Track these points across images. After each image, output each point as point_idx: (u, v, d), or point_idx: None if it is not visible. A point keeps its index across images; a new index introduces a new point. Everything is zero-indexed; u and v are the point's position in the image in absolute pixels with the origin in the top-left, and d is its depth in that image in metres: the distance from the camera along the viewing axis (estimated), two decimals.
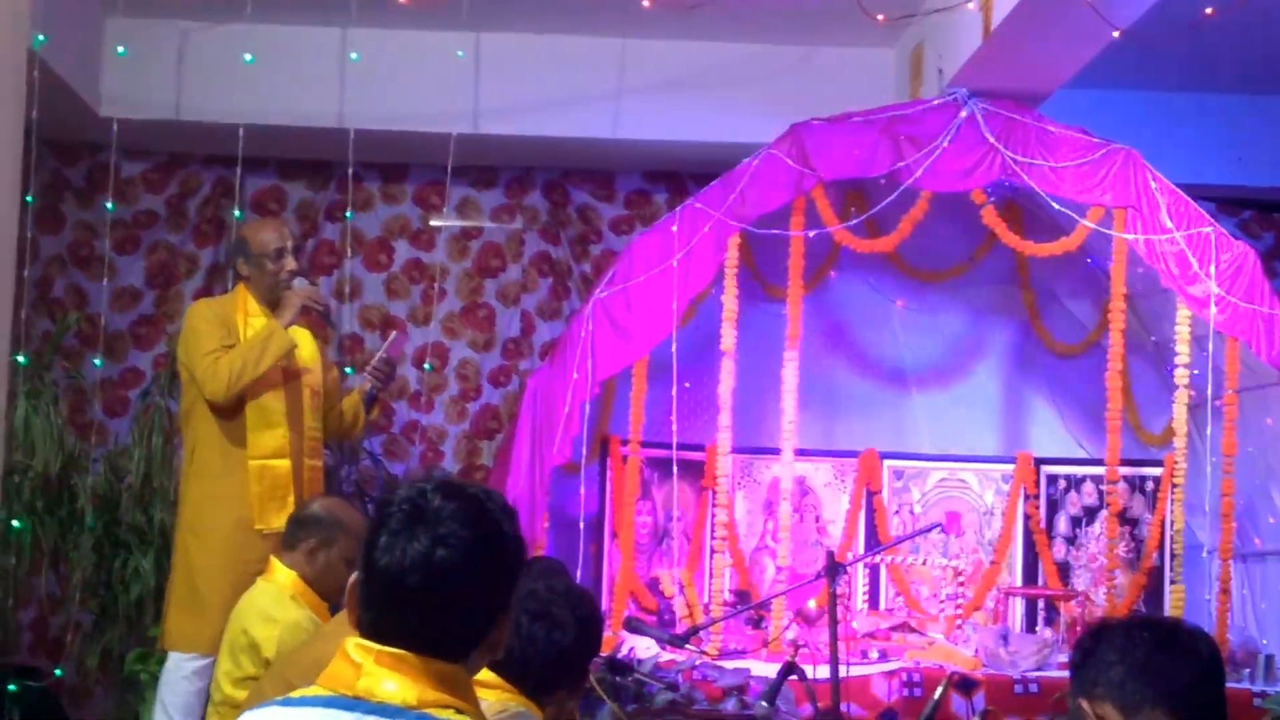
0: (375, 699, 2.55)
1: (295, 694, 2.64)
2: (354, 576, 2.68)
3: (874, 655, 8.22)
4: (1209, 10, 7.37)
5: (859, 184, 8.71)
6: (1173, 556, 8.49)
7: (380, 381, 7.69)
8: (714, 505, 8.63)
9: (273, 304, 7.29)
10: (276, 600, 6.15)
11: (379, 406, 8.17)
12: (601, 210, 10.52)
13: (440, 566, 2.60)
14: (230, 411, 7.11)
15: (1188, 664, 3.16)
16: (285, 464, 7.16)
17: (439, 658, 2.60)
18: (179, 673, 7.04)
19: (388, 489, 9.13)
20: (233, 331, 7.17)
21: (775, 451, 8.55)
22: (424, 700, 2.55)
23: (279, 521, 6.91)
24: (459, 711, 2.56)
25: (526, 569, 2.85)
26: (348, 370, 8.78)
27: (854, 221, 8.52)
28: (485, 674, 3.71)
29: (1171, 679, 3.12)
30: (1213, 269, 8.28)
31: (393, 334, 8.06)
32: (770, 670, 6.86)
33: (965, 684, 7.76)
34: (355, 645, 2.61)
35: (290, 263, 7.35)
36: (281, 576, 6.28)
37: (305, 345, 7.41)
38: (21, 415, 8.27)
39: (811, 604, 8.37)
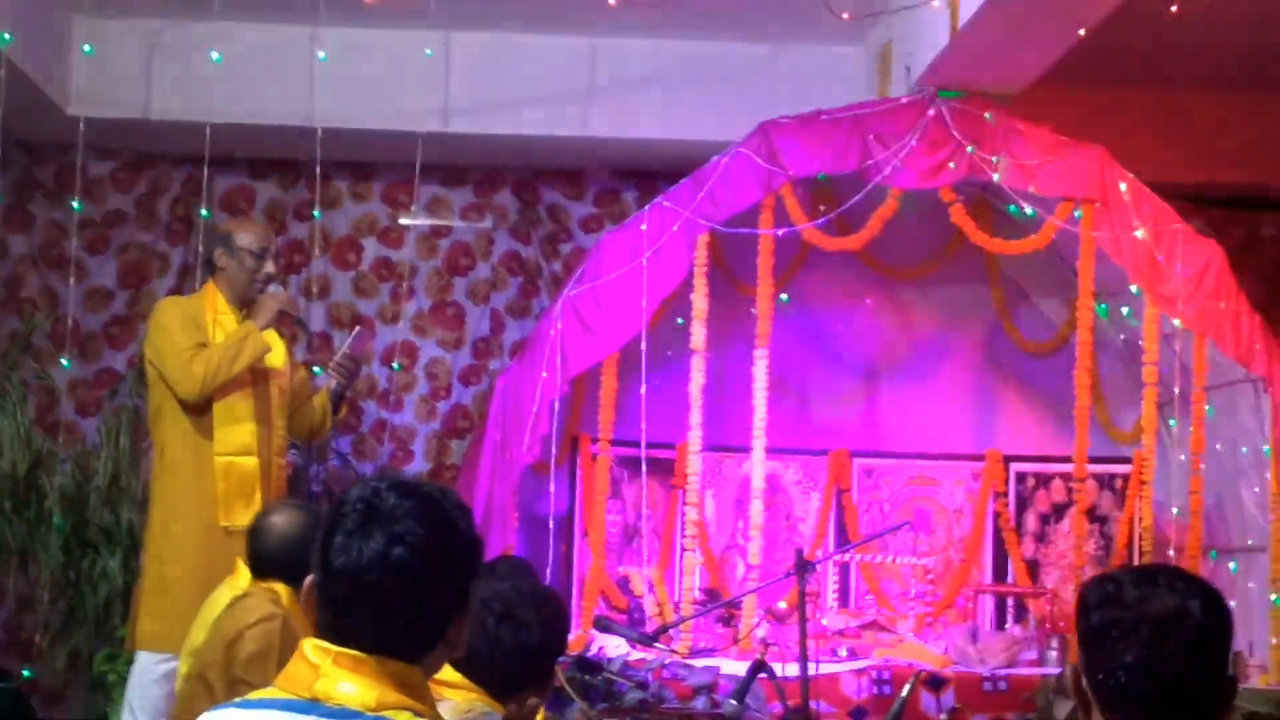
0: (332, 701, 2.55)
1: (253, 695, 2.64)
2: (310, 578, 2.68)
3: (843, 653, 8.23)
4: (1174, 8, 7.39)
5: (828, 182, 8.72)
6: (1141, 554, 8.52)
7: (345, 379, 7.69)
8: (684, 503, 8.63)
9: (242, 303, 7.29)
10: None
11: (347, 405, 8.16)
12: (571, 209, 10.50)
13: (398, 564, 2.61)
14: (200, 408, 7.11)
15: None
16: (252, 461, 7.15)
17: (398, 657, 2.61)
18: (148, 675, 7.02)
19: None
20: (202, 330, 7.16)
21: (745, 450, 8.55)
22: (382, 702, 2.55)
23: (244, 518, 6.90)
24: (416, 714, 2.56)
25: (493, 569, 2.85)
26: (316, 370, 8.77)
27: (823, 220, 8.53)
28: (451, 674, 3.71)
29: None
30: (1181, 266, 8.32)
31: (355, 329, 8.06)
32: (740, 668, 6.87)
33: (934, 681, 7.78)
34: (313, 646, 2.61)
35: (270, 266, 7.35)
36: (243, 580, 6.26)
37: (276, 348, 7.40)
38: None
39: (782, 603, 8.39)
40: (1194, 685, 2.97)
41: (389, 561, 2.60)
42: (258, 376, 7.24)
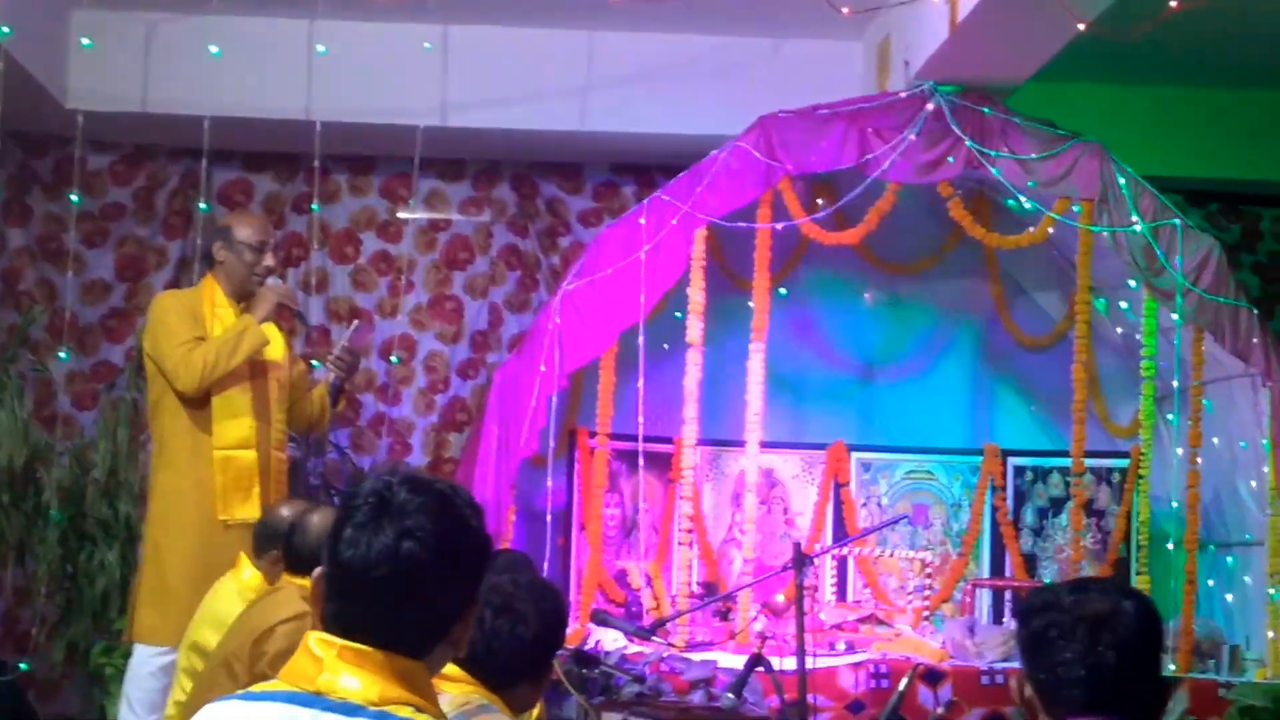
0: (335, 695, 2.54)
1: (256, 688, 2.63)
2: (318, 570, 2.67)
3: (841, 647, 8.24)
4: (1174, 3, 7.38)
5: (826, 176, 8.73)
6: (1139, 548, 8.52)
7: (343, 372, 7.68)
8: (681, 497, 8.63)
9: (241, 296, 7.29)
10: (233, 605, 6.10)
11: (345, 398, 8.15)
12: (570, 203, 10.50)
13: (406, 560, 2.60)
14: (199, 402, 7.12)
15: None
16: (250, 455, 7.16)
17: (402, 653, 2.60)
18: (145, 668, 7.02)
19: (354, 482, 9.12)
20: (200, 323, 7.16)
21: (743, 444, 8.54)
22: (385, 697, 2.54)
23: (243, 512, 6.93)
24: (418, 710, 2.56)
25: (491, 562, 2.85)
26: (314, 364, 8.76)
27: (821, 214, 8.53)
28: (449, 667, 3.71)
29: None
30: (1179, 261, 8.32)
31: (354, 323, 8.08)
32: (737, 662, 6.88)
33: (932, 675, 7.78)
34: (318, 640, 2.60)
35: (269, 259, 7.36)
36: (246, 574, 6.26)
37: (275, 340, 7.40)
38: None
39: (779, 596, 8.39)
40: (1130, 681, 3.11)
41: (398, 556, 2.59)
42: (256, 370, 7.25)
